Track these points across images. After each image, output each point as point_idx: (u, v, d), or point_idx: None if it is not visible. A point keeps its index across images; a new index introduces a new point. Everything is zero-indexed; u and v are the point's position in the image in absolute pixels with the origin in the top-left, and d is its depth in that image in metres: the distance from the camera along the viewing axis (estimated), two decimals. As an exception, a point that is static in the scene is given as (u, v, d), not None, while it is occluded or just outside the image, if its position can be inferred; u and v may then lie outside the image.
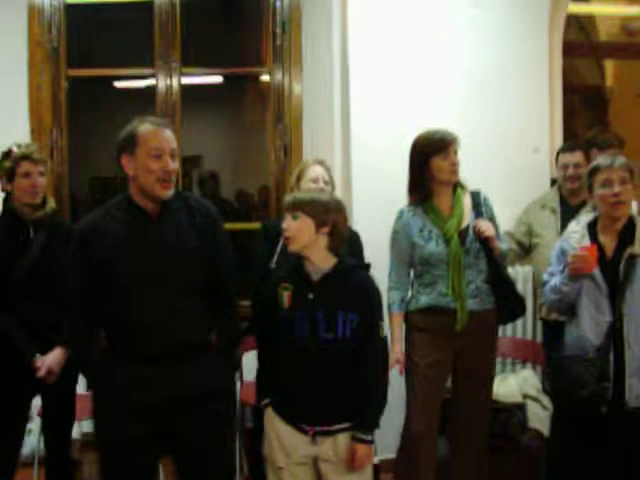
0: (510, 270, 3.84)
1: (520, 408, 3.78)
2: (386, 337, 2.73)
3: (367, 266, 2.79)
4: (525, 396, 3.82)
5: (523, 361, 4.12)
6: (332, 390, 2.63)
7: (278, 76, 4.54)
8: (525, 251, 4.11)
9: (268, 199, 4.92)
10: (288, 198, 2.76)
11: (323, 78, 4.37)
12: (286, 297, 2.67)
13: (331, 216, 2.66)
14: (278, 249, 3.30)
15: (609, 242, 3.02)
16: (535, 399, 3.81)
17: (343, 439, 2.64)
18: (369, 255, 3.39)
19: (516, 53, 4.37)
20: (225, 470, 2.78)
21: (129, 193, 2.60)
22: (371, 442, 2.66)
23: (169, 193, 2.57)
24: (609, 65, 7.20)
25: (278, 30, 4.49)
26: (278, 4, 4.49)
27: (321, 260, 2.68)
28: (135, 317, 2.52)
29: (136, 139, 2.54)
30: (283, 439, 2.66)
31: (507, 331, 4.09)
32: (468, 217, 3.31)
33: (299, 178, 3.42)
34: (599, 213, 3.06)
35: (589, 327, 2.99)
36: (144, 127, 2.56)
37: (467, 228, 3.28)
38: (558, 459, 3.14)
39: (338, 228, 2.68)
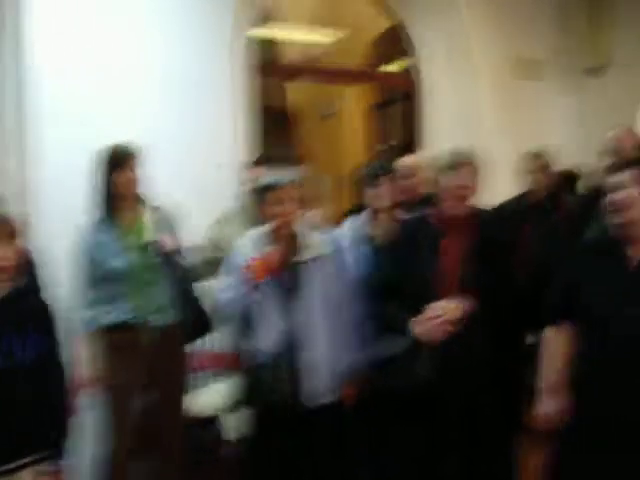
0: (205, 284, 3.89)
1: (214, 421, 3.83)
2: (70, 359, 2.63)
3: (42, 287, 2.66)
4: (221, 408, 3.87)
5: (222, 372, 4.16)
6: (16, 422, 2.46)
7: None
8: (215, 265, 4.17)
9: None
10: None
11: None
12: None
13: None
14: None
15: (279, 252, 3.15)
16: (232, 409, 3.86)
17: (28, 474, 2.49)
18: (53, 273, 3.25)
19: (202, 73, 4.50)
20: None
21: None
22: (59, 470, 2.55)
23: None
24: (295, 87, 7.64)
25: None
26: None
27: (5, 282, 2.53)
28: None
29: None
30: None
31: (205, 343, 4.12)
32: (151, 232, 3.30)
33: None
34: (269, 226, 3.18)
35: (266, 335, 3.10)
36: None
37: (150, 243, 3.28)
38: (252, 463, 3.22)
39: None
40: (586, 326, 2.57)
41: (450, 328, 2.78)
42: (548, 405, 2.64)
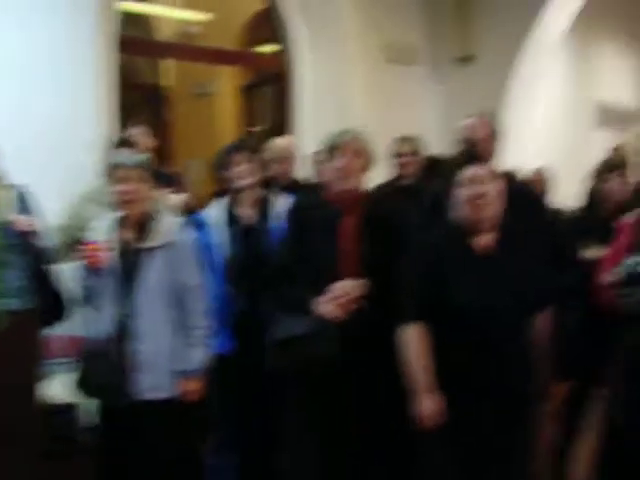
0: (62, 267, 3.75)
1: (71, 407, 3.71)
2: None
3: None
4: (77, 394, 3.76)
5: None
6: None
7: None
8: (73, 247, 4.02)
9: None
10: None
11: None
12: None
13: None
14: None
15: (130, 236, 3.10)
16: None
17: None
18: None
19: (66, 47, 4.33)
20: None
21: None
22: None
23: None
24: (168, 65, 7.45)
25: None
26: None
27: None
28: None
29: None
30: None
31: (62, 328, 3.97)
32: (8, 212, 3.14)
33: None
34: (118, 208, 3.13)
35: (105, 320, 3.05)
36: None
37: (3, 223, 3.11)
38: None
39: None
40: (445, 317, 2.64)
41: (353, 306, 2.83)
42: (427, 404, 2.66)
